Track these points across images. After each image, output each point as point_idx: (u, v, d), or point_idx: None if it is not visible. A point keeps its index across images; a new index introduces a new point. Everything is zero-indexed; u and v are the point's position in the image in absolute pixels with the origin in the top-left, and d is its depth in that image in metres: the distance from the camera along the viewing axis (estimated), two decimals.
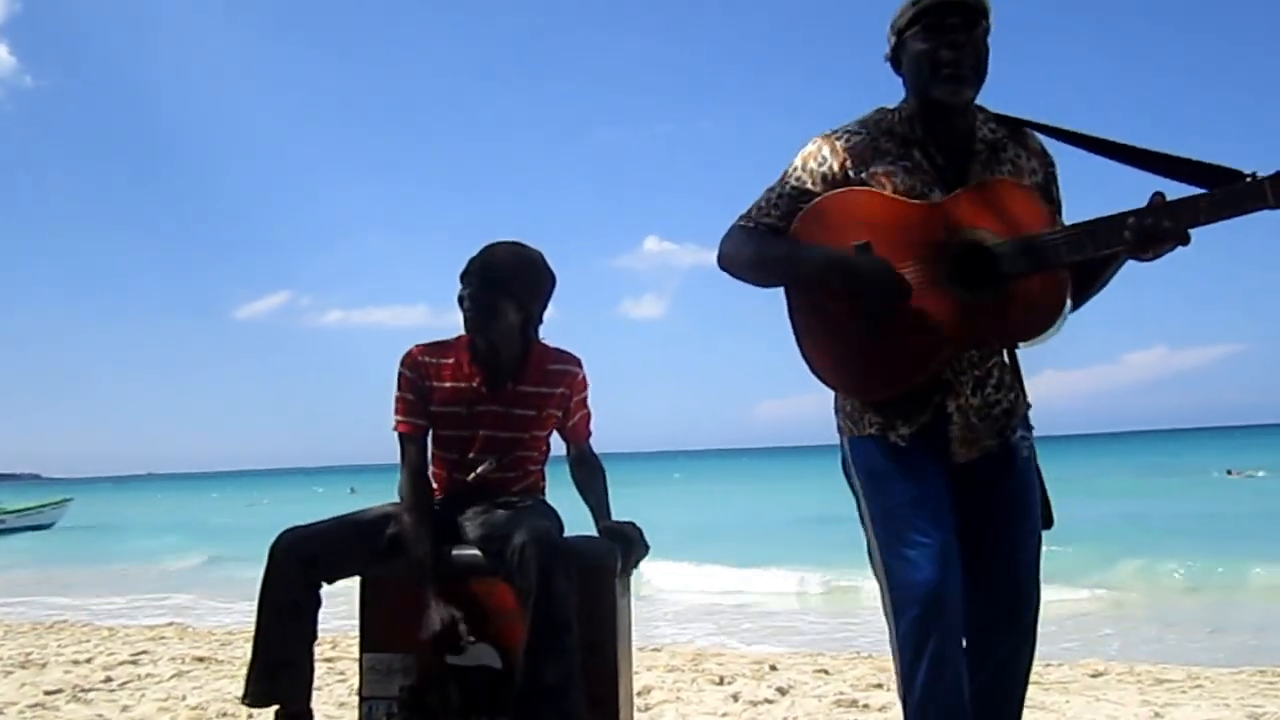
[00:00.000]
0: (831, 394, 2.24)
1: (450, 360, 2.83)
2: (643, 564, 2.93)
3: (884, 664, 4.88)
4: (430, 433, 2.85)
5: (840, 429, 2.22)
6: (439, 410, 2.82)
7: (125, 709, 3.91)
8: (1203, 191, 1.88)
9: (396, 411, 2.82)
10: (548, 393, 2.85)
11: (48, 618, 8.56)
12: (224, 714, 3.70)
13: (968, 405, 2.09)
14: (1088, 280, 2.08)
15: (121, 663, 5.18)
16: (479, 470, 2.82)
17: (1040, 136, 2.17)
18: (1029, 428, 2.19)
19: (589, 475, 2.99)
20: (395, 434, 2.82)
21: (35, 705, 3.97)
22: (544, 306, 2.86)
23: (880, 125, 2.13)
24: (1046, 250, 1.94)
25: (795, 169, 2.16)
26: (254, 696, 2.62)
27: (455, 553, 2.70)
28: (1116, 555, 11.34)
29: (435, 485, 2.89)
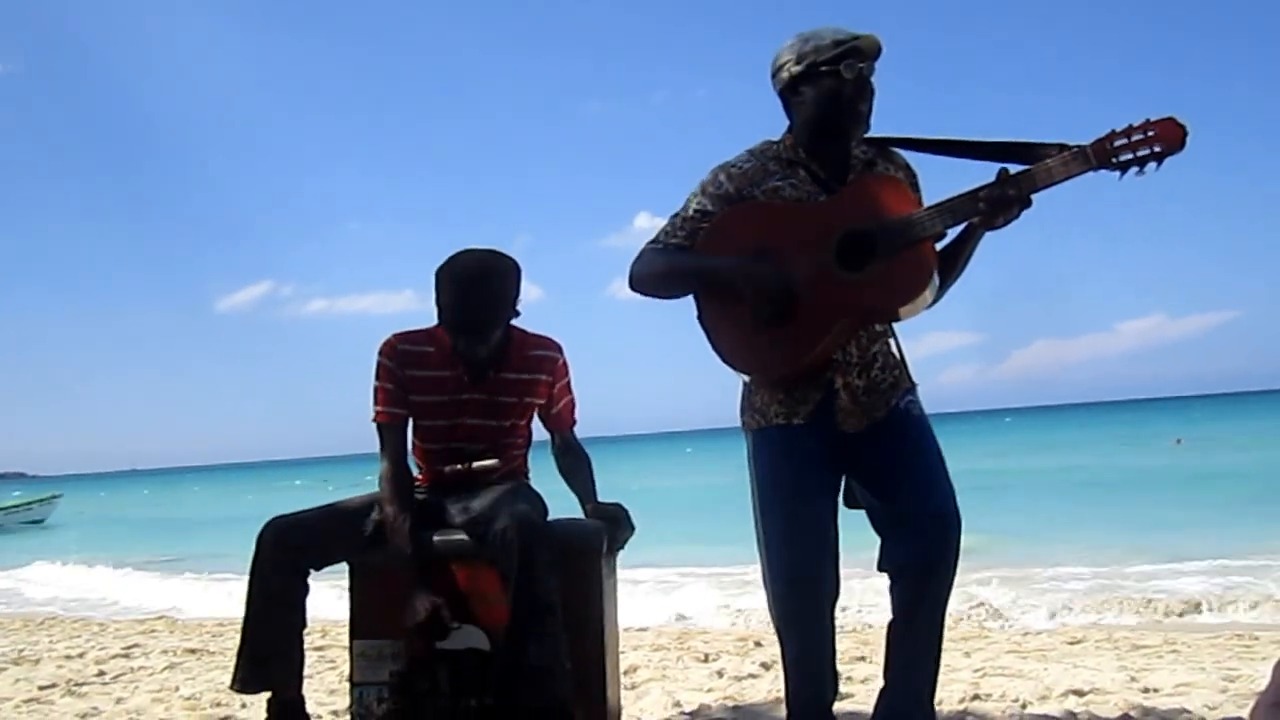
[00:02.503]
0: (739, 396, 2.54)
1: (431, 349, 2.83)
2: (628, 544, 2.99)
3: (866, 638, 4.96)
4: (410, 421, 2.87)
5: (745, 425, 2.51)
6: (420, 400, 2.83)
7: (119, 701, 3.95)
8: (1038, 164, 2.20)
9: (376, 401, 2.83)
10: (530, 379, 2.88)
11: (38, 614, 8.59)
12: (217, 704, 3.74)
13: (855, 383, 2.40)
14: (951, 260, 2.38)
15: (114, 656, 5.21)
16: (481, 464, 2.85)
17: (903, 151, 2.50)
18: (915, 395, 2.48)
19: (574, 463, 3.02)
20: (374, 424, 2.83)
21: (30, 700, 4.00)
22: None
23: (767, 153, 2.46)
24: (915, 227, 2.26)
25: (696, 194, 2.48)
26: (243, 683, 2.66)
27: (439, 538, 2.75)
28: (1062, 527, 11.53)
29: (419, 474, 2.92)
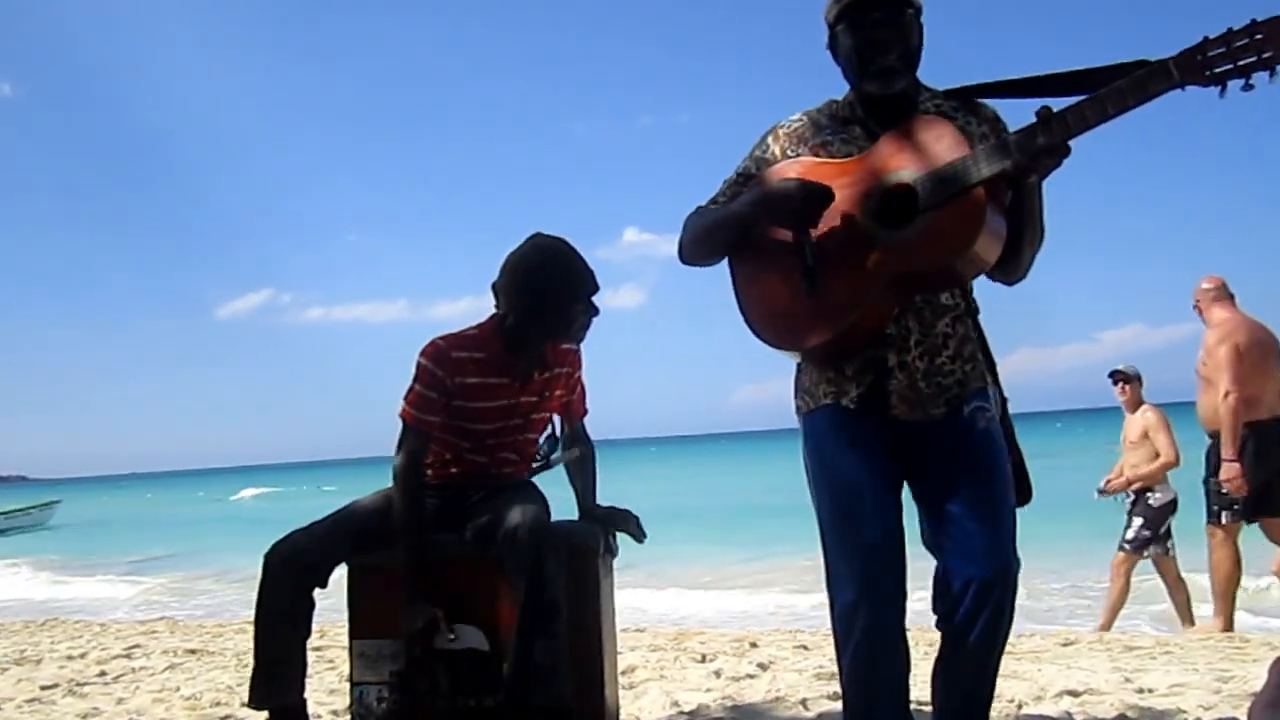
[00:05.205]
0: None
1: (481, 355, 2.79)
2: (630, 545, 3.01)
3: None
4: (446, 421, 2.80)
5: (798, 409, 2.27)
6: (464, 405, 2.78)
7: (120, 701, 3.96)
8: (1089, 97, 1.90)
9: (409, 402, 2.77)
10: (558, 373, 2.91)
11: (40, 615, 8.60)
12: (217, 703, 3.76)
13: (913, 365, 2.10)
14: (1014, 219, 2.08)
15: (115, 657, 5.21)
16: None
17: (993, 102, 2.21)
18: (988, 400, 2.16)
19: (580, 456, 3.04)
20: (400, 420, 2.78)
21: (32, 700, 4.02)
22: None
23: (823, 111, 2.24)
24: (953, 177, 1.98)
25: (743, 159, 2.29)
26: (259, 700, 2.70)
27: (446, 536, 2.77)
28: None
29: (444, 468, 2.90)
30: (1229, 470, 5.28)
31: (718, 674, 3.99)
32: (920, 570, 2.17)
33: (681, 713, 3.35)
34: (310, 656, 2.80)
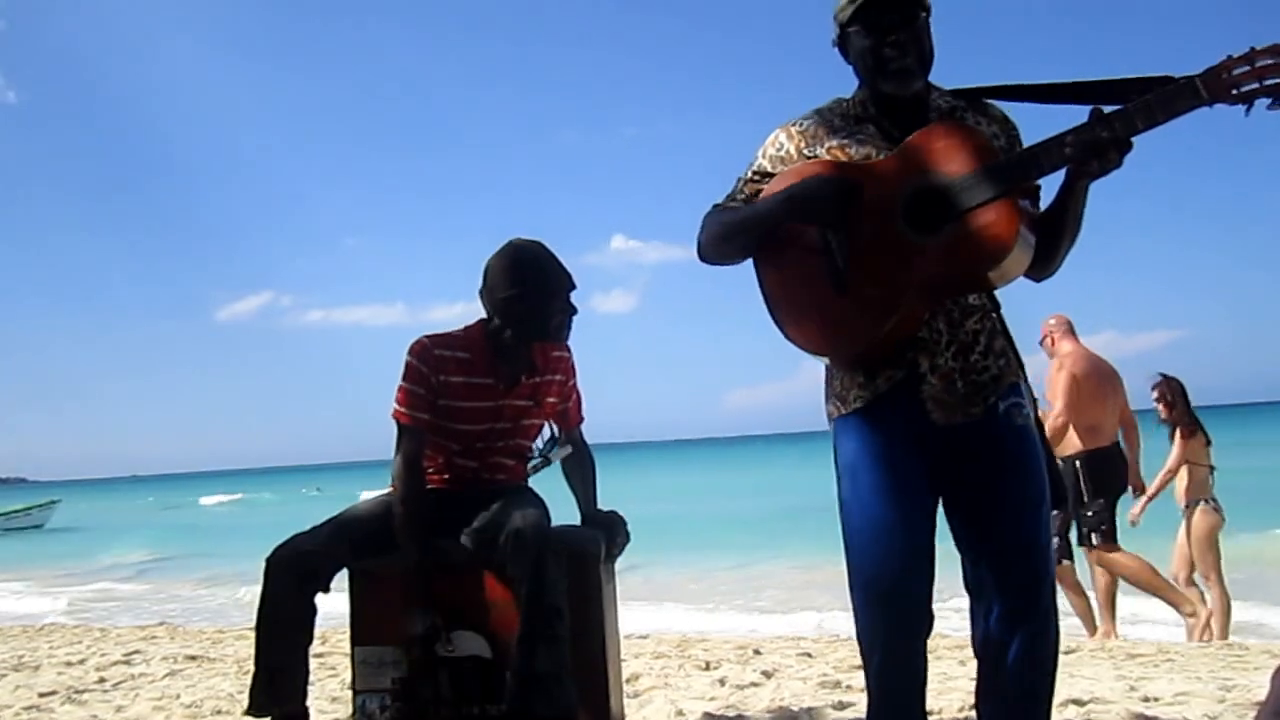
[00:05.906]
0: (823, 385, 2.25)
1: (465, 354, 2.80)
2: (626, 552, 3.00)
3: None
4: (436, 424, 2.81)
5: (829, 415, 2.22)
6: (448, 404, 2.79)
7: (120, 709, 3.94)
8: (1136, 101, 1.87)
9: (399, 401, 2.77)
10: (550, 380, 2.91)
11: (38, 620, 8.57)
12: (218, 711, 3.74)
13: (947, 366, 2.07)
14: (1055, 220, 2.06)
15: (114, 663, 5.18)
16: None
17: (1001, 104, 2.19)
18: (1022, 396, 2.13)
19: (579, 462, 3.05)
20: (394, 421, 2.78)
21: (30, 707, 3.99)
22: None
23: (834, 110, 2.20)
24: (995, 178, 1.94)
25: (756, 156, 2.24)
26: (259, 708, 2.67)
27: (445, 542, 2.74)
28: None
29: (436, 473, 2.90)
30: None
31: (722, 682, 3.98)
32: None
33: None
34: (312, 663, 2.78)
